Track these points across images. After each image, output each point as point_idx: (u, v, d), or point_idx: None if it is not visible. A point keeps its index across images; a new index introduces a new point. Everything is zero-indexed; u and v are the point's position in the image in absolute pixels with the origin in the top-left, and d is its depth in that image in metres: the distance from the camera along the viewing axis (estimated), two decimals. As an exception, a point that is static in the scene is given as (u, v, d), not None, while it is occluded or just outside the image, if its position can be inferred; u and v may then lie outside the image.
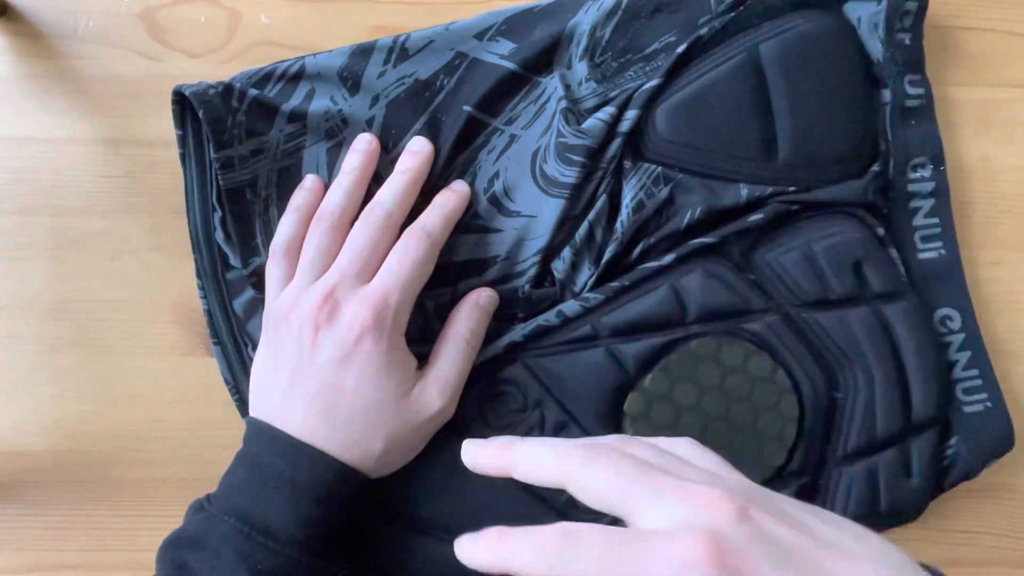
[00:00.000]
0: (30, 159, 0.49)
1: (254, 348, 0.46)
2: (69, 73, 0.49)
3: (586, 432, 0.45)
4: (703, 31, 0.46)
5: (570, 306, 0.46)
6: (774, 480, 0.45)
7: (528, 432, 0.45)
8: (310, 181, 0.46)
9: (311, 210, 0.45)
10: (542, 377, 0.46)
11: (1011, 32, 0.51)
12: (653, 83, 0.45)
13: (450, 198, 0.46)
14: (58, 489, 0.49)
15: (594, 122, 0.45)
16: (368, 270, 0.43)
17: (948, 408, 0.47)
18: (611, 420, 0.45)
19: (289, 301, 0.43)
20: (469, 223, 0.47)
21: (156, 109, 0.49)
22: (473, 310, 0.45)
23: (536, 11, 0.48)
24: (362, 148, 0.46)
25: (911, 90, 0.48)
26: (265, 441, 0.41)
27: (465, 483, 0.45)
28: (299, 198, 0.46)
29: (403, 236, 0.44)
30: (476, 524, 0.45)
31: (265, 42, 0.50)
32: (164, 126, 0.49)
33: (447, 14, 0.50)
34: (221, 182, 0.45)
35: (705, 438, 0.44)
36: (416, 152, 0.46)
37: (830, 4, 0.47)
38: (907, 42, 0.47)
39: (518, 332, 0.46)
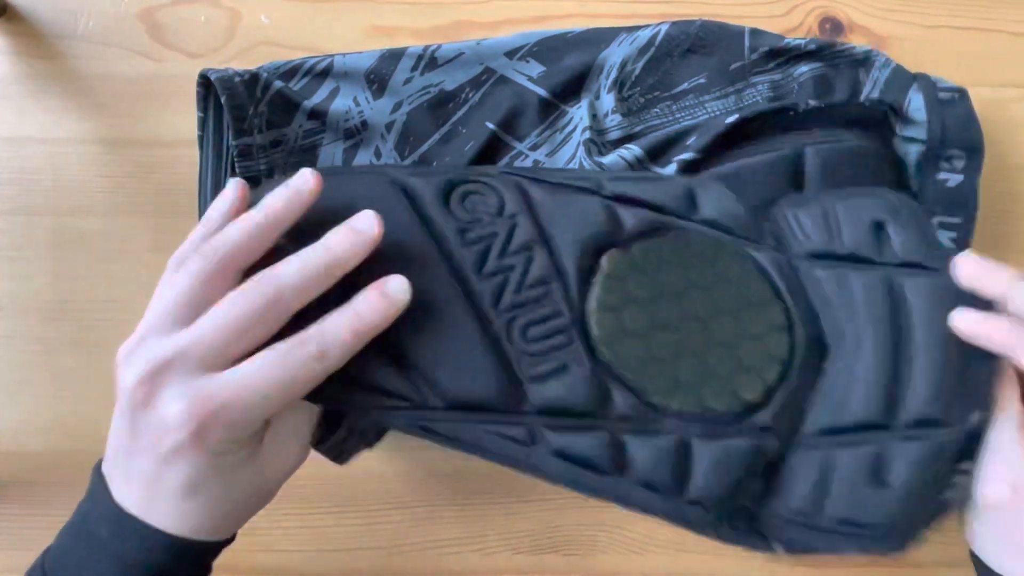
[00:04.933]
0: (30, 159, 0.49)
1: None
2: (69, 73, 0.49)
3: (553, 262, 0.39)
4: (747, 113, 0.46)
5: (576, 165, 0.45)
6: (742, 417, 0.38)
7: (490, 237, 0.38)
8: (232, 186, 0.36)
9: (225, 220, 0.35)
10: (529, 194, 0.40)
11: (1011, 32, 0.51)
12: (692, 155, 0.46)
13: (376, 305, 0.34)
14: (58, 489, 0.48)
15: (615, 159, 0.46)
16: (222, 356, 0.32)
17: (961, 414, 0.37)
18: (586, 262, 0.39)
19: (126, 348, 0.33)
20: None
21: (156, 109, 0.49)
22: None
23: (569, 37, 0.48)
24: (294, 184, 0.35)
25: (938, 231, 0.47)
26: (94, 503, 0.35)
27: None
28: (217, 206, 0.36)
29: (290, 341, 0.32)
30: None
31: (265, 42, 0.50)
32: (164, 126, 0.49)
33: (447, 14, 0.50)
34: (238, 170, 0.45)
35: (679, 333, 0.38)
36: (359, 232, 0.34)
37: (883, 132, 0.47)
38: (950, 184, 0.47)
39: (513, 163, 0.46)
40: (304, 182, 0.34)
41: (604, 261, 0.39)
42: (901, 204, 0.41)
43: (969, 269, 0.37)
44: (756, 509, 0.39)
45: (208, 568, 0.36)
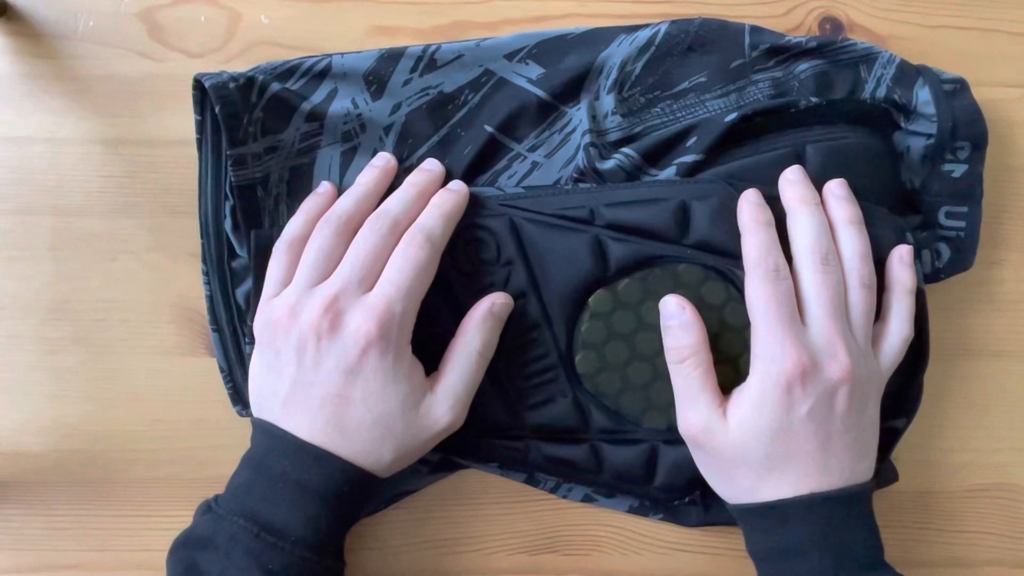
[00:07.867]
0: (30, 159, 0.49)
1: (251, 339, 0.46)
2: (69, 73, 0.49)
3: (543, 309, 0.45)
4: (746, 111, 0.46)
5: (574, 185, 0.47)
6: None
7: (488, 287, 0.45)
8: (324, 187, 0.46)
9: (322, 214, 0.44)
10: (524, 239, 0.45)
11: (1011, 32, 0.51)
12: (694, 157, 0.46)
13: (448, 198, 0.44)
14: (58, 489, 0.49)
15: (612, 164, 0.46)
16: (371, 277, 0.42)
17: None
18: (572, 308, 0.45)
19: (286, 305, 0.42)
20: None
21: (156, 109, 0.49)
22: (486, 319, 0.44)
23: (569, 38, 0.48)
24: (379, 165, 0.46)
25: (946, 221, 0.48)
26: (271, 442, 0.41)
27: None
28: (311, 202, 0.45)
29: (403, 240, 0.42)
30: None
31: (265, 42, 0.50)
32: (164, 126, 0.49)
33: (447, 14, 0.50)
34: (233, 179, 0.45)
35: (656, 361, 0.44)
36: (428, 171, 0.46)
37: (882, 128, 0.47)
38: (955, 175, 0.47)
39: (514, 181, 0.47)
40: (385, 161, 0.46)
41: (591, 301, 0.45)
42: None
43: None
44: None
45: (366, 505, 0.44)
